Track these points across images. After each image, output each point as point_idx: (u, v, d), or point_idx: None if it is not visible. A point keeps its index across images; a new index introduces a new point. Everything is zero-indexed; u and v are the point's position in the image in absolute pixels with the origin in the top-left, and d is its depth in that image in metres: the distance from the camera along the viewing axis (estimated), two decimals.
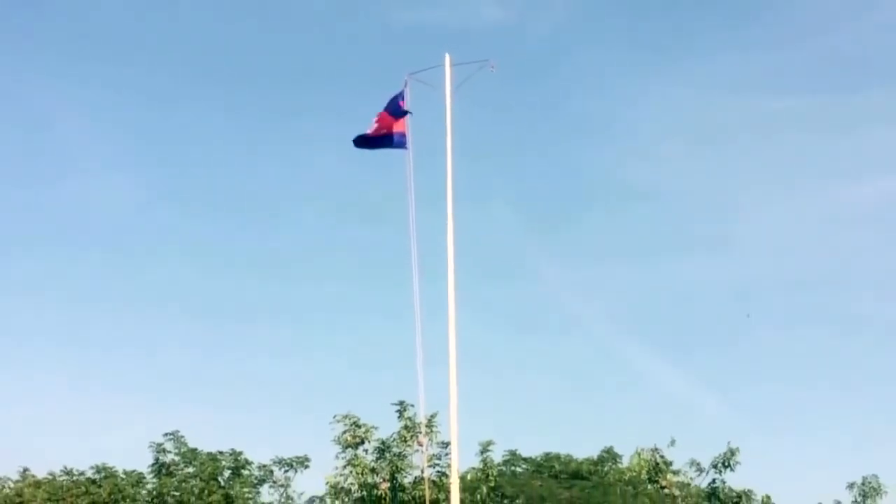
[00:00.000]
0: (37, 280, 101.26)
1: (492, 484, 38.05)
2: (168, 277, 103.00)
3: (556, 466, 42.01)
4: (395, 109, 19.61)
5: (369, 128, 19.88)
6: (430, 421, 35.65)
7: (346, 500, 38.04)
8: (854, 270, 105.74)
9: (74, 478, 39.58)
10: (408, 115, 19.77)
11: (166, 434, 40.66)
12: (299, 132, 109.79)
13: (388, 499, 36.82)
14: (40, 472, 40.17)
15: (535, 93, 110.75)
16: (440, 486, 34.52)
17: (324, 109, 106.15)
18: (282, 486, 41.05)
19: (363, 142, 19.97)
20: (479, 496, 37.00)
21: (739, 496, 43.47)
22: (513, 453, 42.05)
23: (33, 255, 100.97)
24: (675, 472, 42.94)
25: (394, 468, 36.81)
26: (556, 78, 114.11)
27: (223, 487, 39.31)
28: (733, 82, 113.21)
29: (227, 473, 40.23)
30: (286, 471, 40.88)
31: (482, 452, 38.81)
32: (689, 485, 43.34)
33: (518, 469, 41.83)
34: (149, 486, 39.87)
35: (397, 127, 19.56)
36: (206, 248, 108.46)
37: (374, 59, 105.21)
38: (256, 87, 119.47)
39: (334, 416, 37.70)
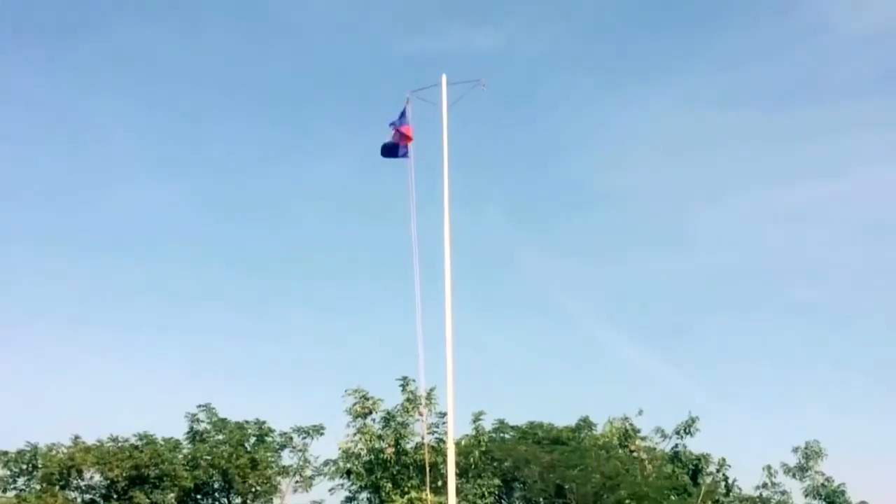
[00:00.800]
0: (87, 271, 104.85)
1: (483, 449, 38.90)
2: (199, 270, 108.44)
3: (539, 433, 43.25)
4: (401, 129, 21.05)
5: (390, 137, 21.12)
6: (429, 394, 36.63)
7: (356, 463, 38.50)
8: (789, 261, 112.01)
9: (119, 444, 40.41)
10: (411, 129, 20.97)
11: (199, 406, 42.01)
12: (312, 142, 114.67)
13: (392, 462, 37.44)
14: (90, 439, 40.80)
15: (521, 109, 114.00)
16: (438, 450, 34.59)
17: (335, 123, 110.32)
18: (300, 450, 42.08)
19: (387, 151, 21.12)
20: (471, 459, 37.78)
21: (698, 459, 45.94)
22: (501, 422, 43.18)
23: (86, 249, 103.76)
24: (643, 438, 44.77)
25: (398, 435, 37.55)
26: (539, 97, 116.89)
27: (249, 452, 40.65)
28: (688, 99, 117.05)
29: (252, 440, 41.60)
30: (304, 437, 42.05)
31: (474, 421, 39.66)
32: (654, 449, 44.89)
33: (506, 436, 42.73)
34: (184, 451, 40.82)
35: (403, 140, 20.93)
36: (230, 244, 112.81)
37: (379, 78, 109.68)
38: (275, 102, 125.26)
39: (346, 390, 38.41)
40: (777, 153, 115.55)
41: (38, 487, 39.57)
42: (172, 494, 39.30)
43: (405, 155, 20.91)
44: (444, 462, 25.24)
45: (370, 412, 37.99)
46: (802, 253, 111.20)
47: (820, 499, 44.71)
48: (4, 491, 40.58)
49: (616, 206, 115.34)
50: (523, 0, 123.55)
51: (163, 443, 40.84)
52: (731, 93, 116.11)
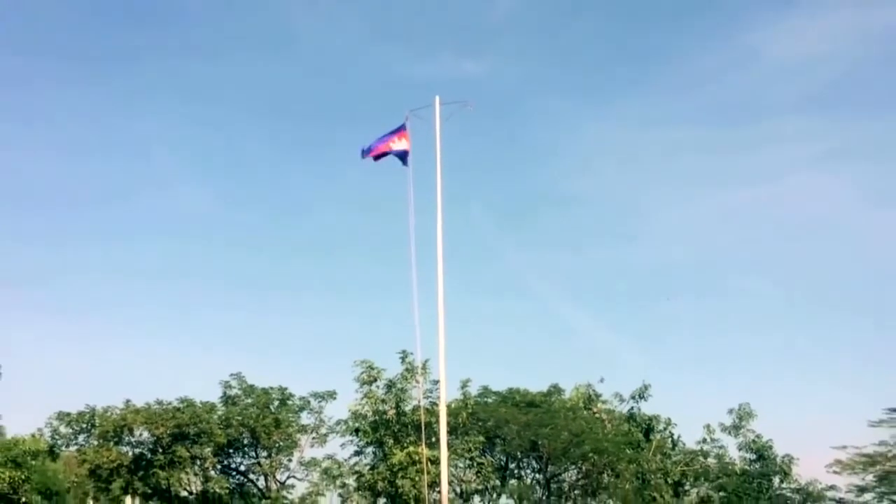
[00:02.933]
0: (135, 261, 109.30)
1: (469, 411, 39.92)
2: (231, 259, 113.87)
3: (517, 398, 43.84)
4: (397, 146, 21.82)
5: (374, 146, 21.90)
6: (424, 365, 37.60)
7: (363, 423, 39.61)
8: (732, 254, 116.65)
9: (164, 406, 41.32)
10: (409, 136, 21.82)
11: (231, 374, 43.26)
12: (328, 152, 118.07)
13: (394, 422, 38.61)
14: (139, 402, 42.02)
15: (502, 125, 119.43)
16: (432, 412, 35.37)
17: (347, 136, 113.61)
18: (316, 412, 43.24)
19: (367, 153, 21.91)
20: (460, 420, 38.36)
21: (650, 419, 46.85)
22: (485, 388, 43.77)
23: (133, 242, 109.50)
24: (604, 402, 46.44)
25: (398, 399, 38.71)
26: (517, 115, 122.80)
27: (273, 413, 41.64)
28: (643, 118, 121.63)
29: (276, 403, 42.57)
30: (319, 401, 43.11)
31: (462, 388, 40.67)
32: (613, 411, 46.52)
33: (489, 400, 43.31)
34: (219, 413, 41.77)
35: (399, 146, 21.75)
36: (257, 237, 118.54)
37: (382, 100, 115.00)
38: (295, 118, 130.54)
39: (354, 361, 39.28)
40: (720, 163, 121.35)
41: (95, 443, 41.13)
42: (209, 449, 40.69)
43: (405, 163, 21.76)
44: (437, 422, 25.51)
45: (375, 380, 39.14)
46: (743, 247, 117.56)
47: (751, 452, 45.63)
48: (67, 446, 42.25)
49: (582, 206, 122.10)
50: (504, 34, 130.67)
51: (200, 405, 41.79)
52: (680, 113, 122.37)
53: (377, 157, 21.89)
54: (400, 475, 36.69)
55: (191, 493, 42.74)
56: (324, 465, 42.16)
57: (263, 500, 41.12)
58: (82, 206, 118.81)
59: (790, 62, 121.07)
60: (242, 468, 43.62)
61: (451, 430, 35.49)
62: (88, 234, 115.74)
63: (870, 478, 37.83)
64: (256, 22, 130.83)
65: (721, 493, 43.31)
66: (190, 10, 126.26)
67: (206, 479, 41.77)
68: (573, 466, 43.24)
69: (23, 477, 38.30)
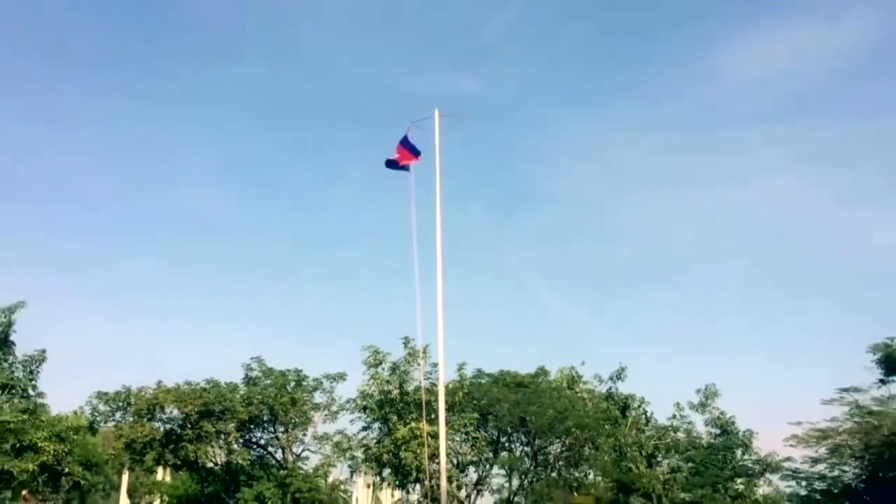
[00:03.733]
0: (168, 251, 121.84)
1: (465, 391, 40.77)
2: (248, 249, 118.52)
3: (508, 379, 44.32)
4: (411, 148, 22.51)
5: (394, 155, 22.47)
6: (424, 349, 38.89)
7: (370, 401, 40.60)
8: (699, 247, 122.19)
9: (192, 386, 41.85)
10: (412, 147, 22.64)
11: (252, 357, 43.95)
12: (337, 156, 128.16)
13: (397, 400, 39.76)
14: (170, 383, 42.59)
15: (494, 134, 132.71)
16: (431, 391, 36.45)
17: (355, 142, 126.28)
18: (328, 392, 43.97)
19: (389, 163, 22.45)
20: (456, 398, 39.32)
21: (626, 398, 48.41)
22: (479, 370, 44.08)
23: (160, 234, 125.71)
24: (585, 383, 47.44)
25: (401, 380, 39.95)
26: (508, 124, 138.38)
27: (289, 393, 42.34)
28: (620, 125, 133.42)
29: (292, 384, 43.21)
30: (331, 382, 43.91)
31: (459, 370, 41.50)
32: (593, 391, 47.44)
33: (482, 381, 43.56)
34: (241, 392, 42.40)
35: (406, 159, 22.66)
36: (273, 230, 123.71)
37: (387, 110, 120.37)
38: (306, 126, 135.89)
39: (362, 346, 40.58)
40: (691, 166, 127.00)
41: (130, 420, 42.00)
42: (232, 424, 41.35)
43: (407, 168, 22.49)
44: (436, 400, 26.21)
45: (380, 363, 40.35)
46: (709, 242, 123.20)
47: (716, 427, 46.17)
48: (106, 422, 43.42)
49: (563, 204, 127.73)
50: (495, 52, 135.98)
51: (225, 386, 42.43)
52: (654, 121, 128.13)
53: (393, 165, 22.59)
54: (403, 448, 37.85)
55: (216, 464, 43.40)
56: (335, 439, 42.31)
57: (281, 471, 41.67)
58: (114, 203, 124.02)
59: (758, 75, 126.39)
60: (262, 442, 43.89)
61: (449, 408, 35.76)
62: (122, 228, 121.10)
63: (822, 450, 38.61)
64: (270, 39, 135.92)
65: (689, 464, 43.92)
66: (210, 29, 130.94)
67: (230, 452, 42.24)
68: (557, 440, 43.63)
69: (66, 450, 38.85)
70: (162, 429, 42.17)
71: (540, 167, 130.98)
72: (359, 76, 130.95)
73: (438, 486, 26.76)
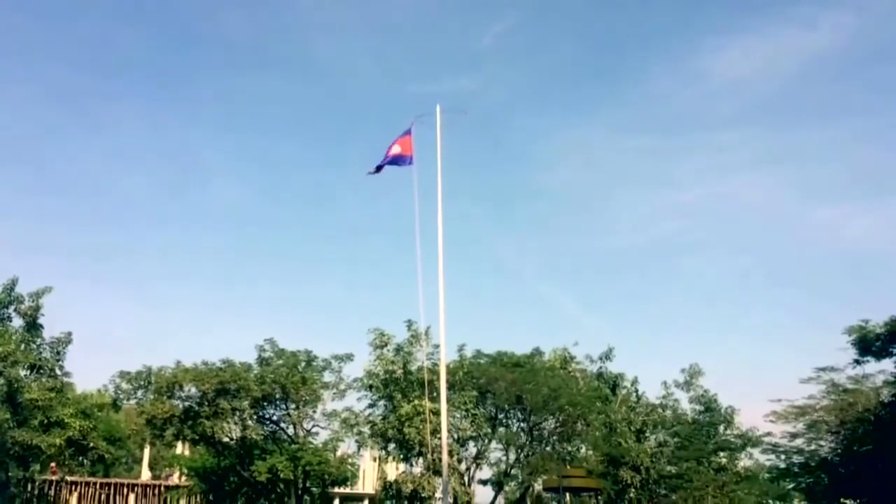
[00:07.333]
0: (194, 242, 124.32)
1: (465, 370, 40.92)
2: (266, 242, 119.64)
3: (505, 359, 44.07)
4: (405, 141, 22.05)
5: (393, 150, 22.17)
6: (427, 331, 38.84)
7: (376, 380, 40.70)
8: (683, 240, 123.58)
9: (209, 366, 41.30)
10: (412, 139, 22.21)
11: (265, 339, 43.42)
12: (346, 153, 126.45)
13: (401, 380, 40.03)
14: (188, 363, 42.09)
15: (491, 132, 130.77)
16: (433, 371, 34.82)
17: (363, 141, 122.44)
18: (337, 372, 43.19)
19: (389, 162, 22.34)
20: (457, 378, 39.28)
21: (616, 377, 48.65)
22: (478, 351, 43.98)
23: (190, 229, 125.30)
24: (577, 363, 47.02)
25: (405, 360, 40.21)
26: (503, 123, 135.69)
27: (300, 372, 41.90)
28: (608, 127, 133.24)
29: (302, 364, 42.67)
30: (339, 362, 43.10)
31: (459, 350, 41.78)
32: (585, 370, 47.31)
33: (481, 361, 43.41)
34: (255, 372, 41.80)
35: (406, 150, 22.17)
36: (285, 224, 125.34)
37: (392, 111, 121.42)
38: (318, 126, 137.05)
39: (368, 329, 41.01)
40: (675, 165, 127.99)
41: (151, 397, 41.54)
42: (247, 402, 41.02)
43: (410, 163, 22.13)
44: (438, 379, 25.83)
45: (385, 344, 40.67)
46: (687, 234, 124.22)
47: (700, 404, 45.97)
48: (128, 400, 43.22)
49: (552, 199, 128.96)
50: (492, 56, 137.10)
51: (239, 366, 41.95)
52: (640, 123, 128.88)
53: (379, 170, 22.48)
54: (407, 424, 38.04)
55: (231, 439, 43.35)
56: (343, 416, 42.08)
57: (293, 445, 41.79)
58: (142, 199, 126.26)
59: (734, 80, 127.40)
60: (275, 418, 43.74)
61: (450, 387, 35.84)
62: (139, 222, 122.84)
63: (800, 426, 39.10)
64: (286, 49, 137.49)
65: (675, 439, 43.90)
66: (230, 42, 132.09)
67: (245, 428, 42.02)
68: (552, 417, 43.56)
69: (91, 426, 38.79)
70: (181, 406, 41.91)
71: (528, 164, 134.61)
72: (367, 81, 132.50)
73: (440, 459, 27.14)
